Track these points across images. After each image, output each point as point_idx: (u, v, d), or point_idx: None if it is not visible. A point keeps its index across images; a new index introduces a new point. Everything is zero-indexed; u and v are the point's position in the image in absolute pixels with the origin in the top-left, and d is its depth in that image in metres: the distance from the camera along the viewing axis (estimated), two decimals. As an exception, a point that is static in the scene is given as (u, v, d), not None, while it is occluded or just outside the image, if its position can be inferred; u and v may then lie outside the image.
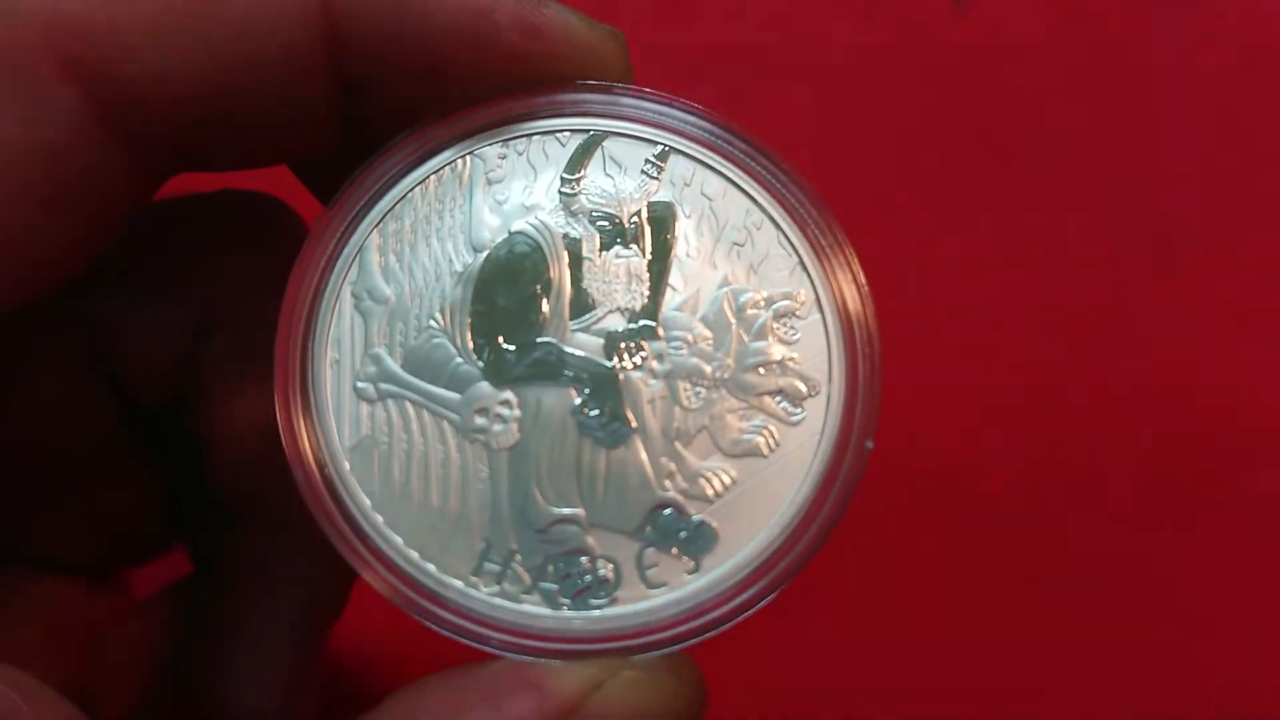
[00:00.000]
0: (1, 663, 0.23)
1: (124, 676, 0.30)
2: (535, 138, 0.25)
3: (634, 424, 0.24)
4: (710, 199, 0.25)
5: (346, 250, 0.24)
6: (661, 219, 0.25)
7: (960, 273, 0.45)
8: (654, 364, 0.24)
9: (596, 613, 0.23)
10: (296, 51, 0.23)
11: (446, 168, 0.25)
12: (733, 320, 0.24)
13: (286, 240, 0.28)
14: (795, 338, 0.24)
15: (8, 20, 0.22)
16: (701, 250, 0.24)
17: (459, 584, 0.23)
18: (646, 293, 0.24)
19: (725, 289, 0.24)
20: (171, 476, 0.30)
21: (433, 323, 0.24)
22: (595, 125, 0.25)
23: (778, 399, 0.24)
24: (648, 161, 0.25)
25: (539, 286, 0.24)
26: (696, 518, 0.23)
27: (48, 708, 0.23)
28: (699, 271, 0.24)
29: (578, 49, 0.24)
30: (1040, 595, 0.42)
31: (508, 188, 0.25)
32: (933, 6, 0.49)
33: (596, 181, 0.25)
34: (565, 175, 0.25)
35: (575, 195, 0.25)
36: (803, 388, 0.24)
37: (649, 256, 0.24)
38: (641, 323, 0.24)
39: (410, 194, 0.24)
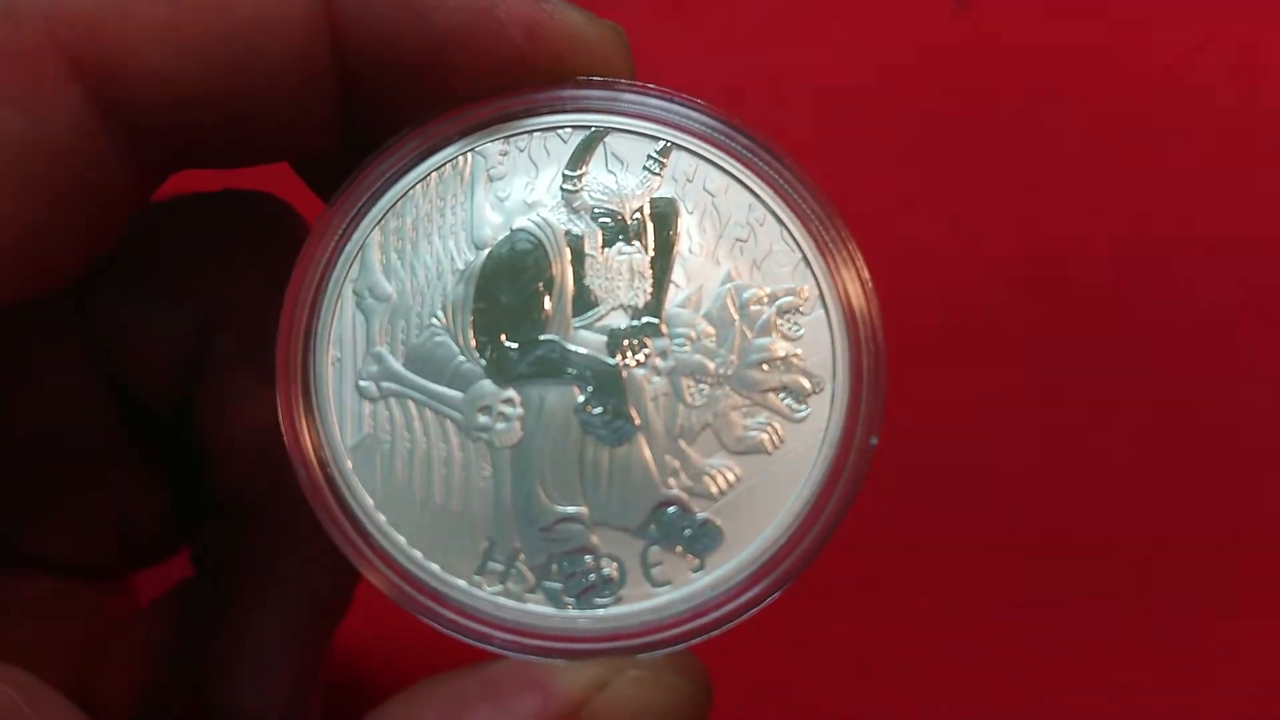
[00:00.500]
0: (3, 662, 0.23)
1: (126, 678, 0.30)
2: (537, 134, 0.25)
3: (637, 421, 0.24)
4: (713, 195, 0.25)
5: (348, 248, 0.24)
6: (664, 215, 0.24)
7: (960, 272, 0.46)
8: (657, 361, 0.24)
9: (601, 611, 0.23)
10: (300, 50, 0.23)
11: (448, 165, 0.24)
12: (736, 317, 0.24)
13: (289, 239, 0.28)
14: (799, 334, 0.24)
15: (13, 18, 0.22)
16: (704, 246, 0.24)
17: (463, 583, 0.23)
18: (649, 289, 0.24)
19: (728, 285, 0.24)
20: (174, 478, 0.30)
21: (435, 321, 0.24)
22: (597, 121, 0.25)
23: (782, 395, 0.24)
24: (650, 157, 0.25)
25: (541, 284, 0.24)
26: (701, 515, 0.23)
27: (49, 708, 0.23)
28: (702, 268, 0.24)
29: (579, 45, 0.24)
30: (1040, 596, 0.42)
31: (509, 184, 0.24)
32: (933, 6, 0.49)
33: (598, 178, 0.25)
34: (567, 172, 0.25)
35: (577, 192, 0.24)
36: (807, 384, 0.24)
37: (652, 253, 0.24)
38: (644, 320, 0.24)
39: (412, 191, 0.24)
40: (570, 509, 0.23)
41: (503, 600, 0.23)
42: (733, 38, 0.49)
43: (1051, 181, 0.47)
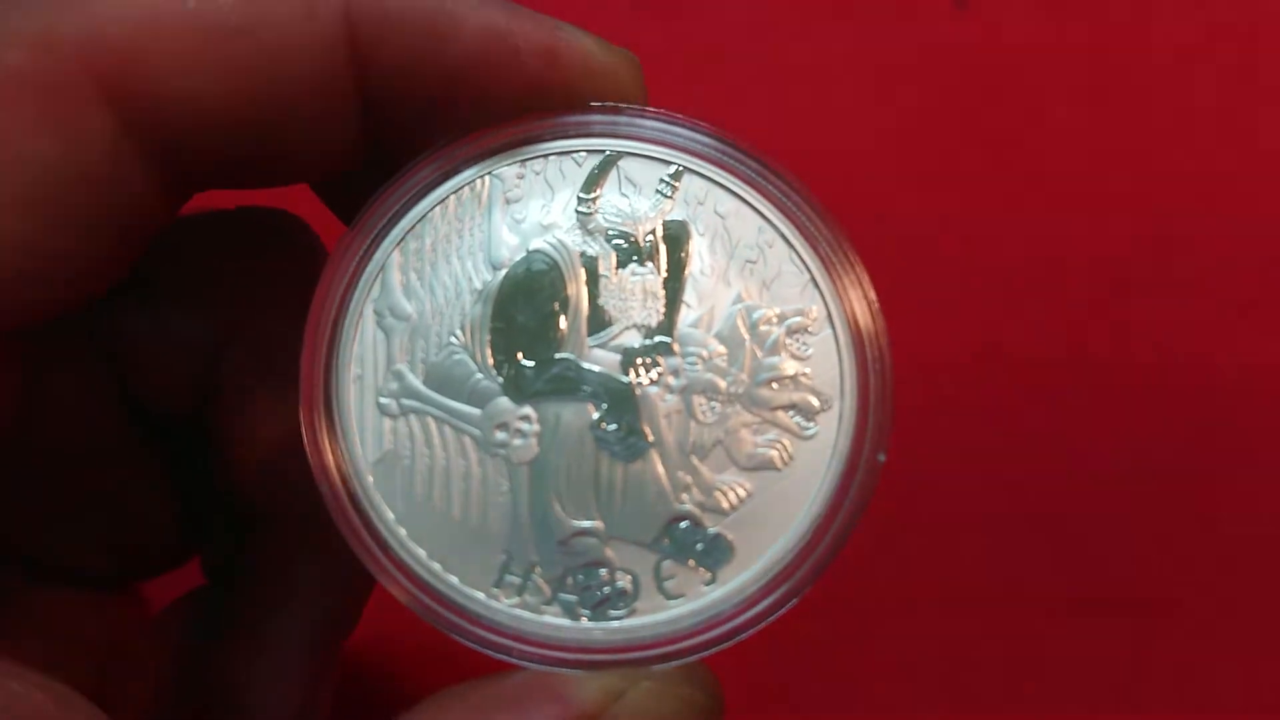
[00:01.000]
0: (31, 669, 0.24)
1: (139, 687, 0.30)
2: (552, 158, 0.25)
3: (650, 438, 0.24)
4: (723, 217, 0.25)
5: (369, 269, 0.25)
6: (676, 237, 0.25)
7: (959, 271, 0.46)
8: (670, 379, 0.24)
9: (616, 623, 0.24)
10: (323, 76, 0.24)
11: (466, 187, 0.25)
12: (746, 336, 0.25)
13: (303, 256, 0.29)
14: (807, 353, 0.25)
15: (47, 46, 0.22)
16: (715, 268, 0.25)
17: (481, 596, 0.24)
18: (662, 309, 0.25)
19: (739, 306, 0.25)
20: (187, 489, 0.31)
21: (453, 339, 0.24)
22: (611, 146, 0.25)
23: (791, 413, 0.24)
24: (662, 181, 0.25)
25: (557, 304, 0.25)
26: (713, 530, 0.24)
27: (76, 713, 0.24)
28: (713, 289, 0.25)
29: (594, 72, 0.25)
30: (1040, 595, 0.43)
31: (526, 207, 0.25)
32: (933, 6, 0.49)
33: (612, 201, 0.25)
34: (582, 194, 0.25)
35: (592, 214, 0.25)
36: (815, 402, 0.25)
37: (664, 274, 0.25)
38: (657, 339, 0.25)
39: (430, 214, 0.25)
40: (585, 523, 0.24)
41: (521, 612, 0.24)
42: (733, 38, 0.49)
43: (1052, 181, 0.47)
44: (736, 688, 0.24)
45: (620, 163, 0.25)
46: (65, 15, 0.22)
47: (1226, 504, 0.44)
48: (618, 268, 0.25)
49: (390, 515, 0.24)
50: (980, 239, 0.46)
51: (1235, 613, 0.43)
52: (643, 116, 0.25)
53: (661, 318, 0.25)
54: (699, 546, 0.24)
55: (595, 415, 0.24)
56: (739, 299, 0.25)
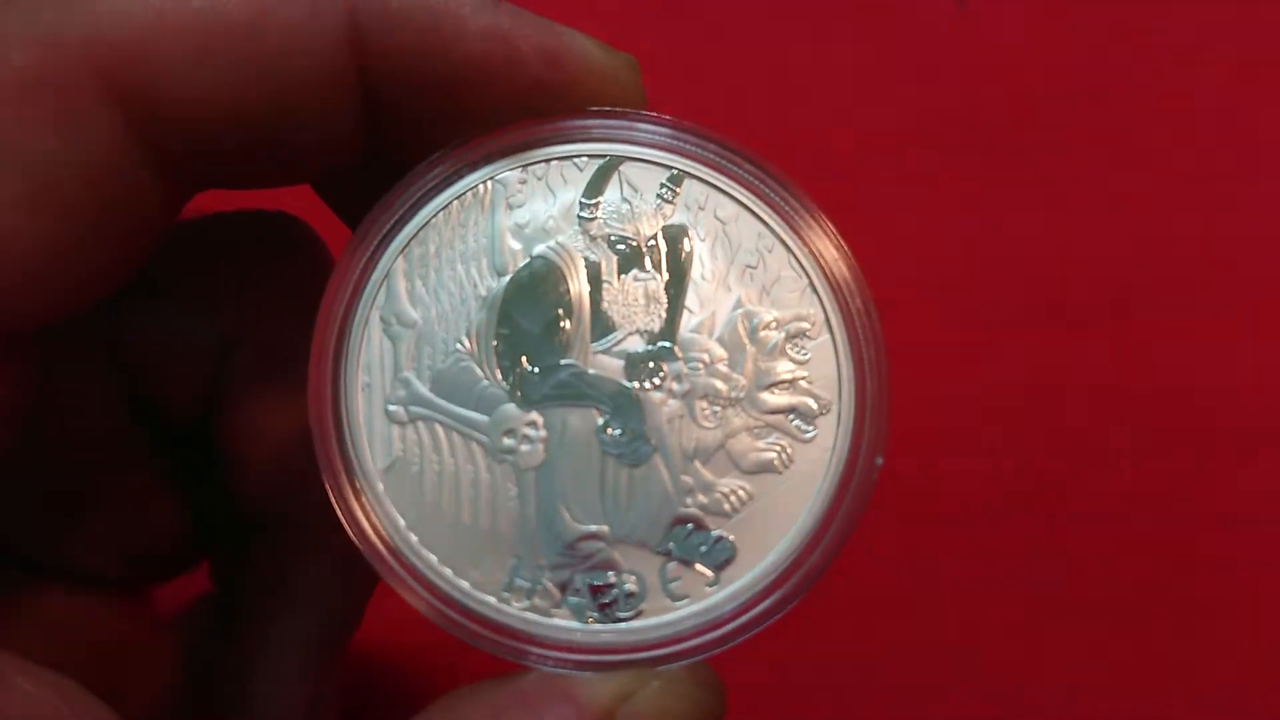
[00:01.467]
0: (45, 668, 0.24)
1: (147, 690, 0.31)
2: (554, 163, 0.25)
3: (654, 443, 0.25)
4: (723, 222, 0.26)
5: (374, 275, 0.25)
6: (677, 242, 0.25)
7: (959, 271, 0.46)
8: (673, 384, 0.25)
9: (623, 625, 0.24)
10: (327, 77, 0.24)
11: (469, 192, 0.25)
12: (747, 341, 0.25)
13: (307, 258, 0.29)
14: (806, 358, 0.25)
15: (53, 45, 0.22)
16: (716, 273, 0.25)
17: (492, 600, 0.24)
18: (664, 315, 0.25)
19: (739, 310, 0.25)
20: (194, 493, 0.31)
21: (459, 346, 0.25)
22: (612, 150, 0.25)
23: (791, 417, 0.25)
24: (663, 186, 0.26)
25: (561, 309, 0.25)
26: (716, 533, 0.25)
27: (89, 713, 0.24)
28: (714, 294, 0.25)
29: (596, 76, 0.25)
30: (1041, 596, 0.43)
31: (528, 212, 0.25)
32: (933, 6, 0.49)
33: (614, 205, 0.25)
34: (584, 199, 0.25)
35: (593, 219, 0.25)
36: (814, 406, 0.25)
37: (666, 279, 0.25)
38: (660, 344, 0.25)
39: (434, 219, 0.25)
40: (592, 527, 0.25)
41: (530, 615, 0.24)
42: (733, 39, 0.48)
43: (1051, 181, 0.47)
44: (737, 688, 0.25)
45: (621, 167, 0.25)
46: (70, 15, 0.22)
47: (1229, 508, 0.44)
48: (620, 273, 0.25)
49: (401, 521, 0.24)
50: (980, 239, 0.46)
51: (1235, 613, 0.43)
52: (644, 121, 0.26)
53: (664, 323, 0.25)
54: (703, 549, 0.25)
55: (600, 420, 0.25)
56: (739, 304, 0.25)
